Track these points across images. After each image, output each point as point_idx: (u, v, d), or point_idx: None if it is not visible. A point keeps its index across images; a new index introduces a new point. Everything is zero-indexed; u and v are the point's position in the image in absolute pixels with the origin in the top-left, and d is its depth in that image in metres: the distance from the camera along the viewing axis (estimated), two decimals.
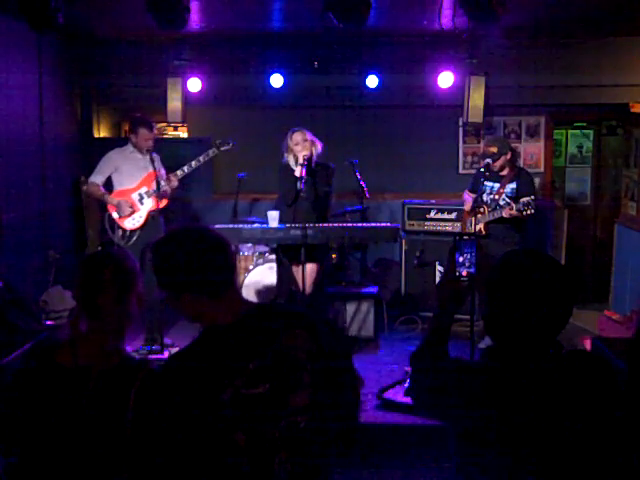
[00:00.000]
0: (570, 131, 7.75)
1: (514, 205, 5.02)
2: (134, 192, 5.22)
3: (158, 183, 5.11)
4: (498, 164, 5.26)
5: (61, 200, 6.17)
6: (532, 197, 4.97)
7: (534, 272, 1.77)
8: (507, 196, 5.29)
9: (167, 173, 5.27)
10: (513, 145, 6.54)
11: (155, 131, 5.28)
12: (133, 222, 5.18)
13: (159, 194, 5.17)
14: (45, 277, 5.57)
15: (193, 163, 5.24)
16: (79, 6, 4.95)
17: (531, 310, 1.74)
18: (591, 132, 7.74)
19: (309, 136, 4.98)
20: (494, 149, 5.26)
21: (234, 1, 5.23)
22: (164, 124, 7.39)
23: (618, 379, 1.77)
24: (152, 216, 5.20)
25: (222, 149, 5.32)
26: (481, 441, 1.75)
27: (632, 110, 6.37)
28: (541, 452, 1.70)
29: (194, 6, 4.93)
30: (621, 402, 1.72)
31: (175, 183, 5.21)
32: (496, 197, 5.33)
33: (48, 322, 4.94)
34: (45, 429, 1.90)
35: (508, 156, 5.28)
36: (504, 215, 5.11)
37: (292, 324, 1.78)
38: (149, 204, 5.20)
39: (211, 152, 5.27)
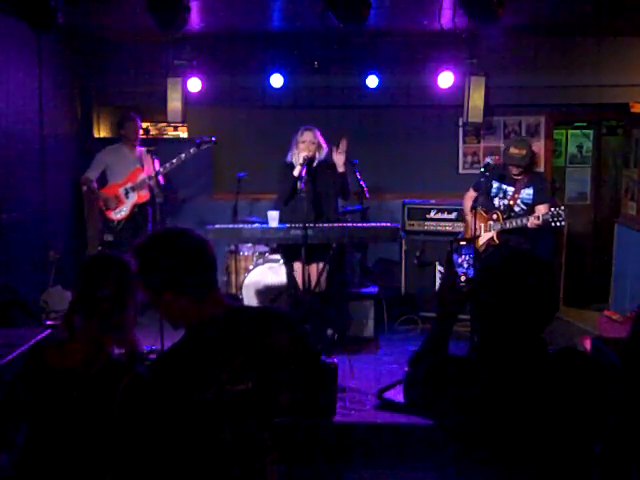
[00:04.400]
0: (570, 131, 7.75)
1: (541, 215, 4.73)
2: (121, 187, 5.82)
3: (154, 178, 5.53)
4: (522, 169, 4.97)
5: (61, 200, 6.17)
6: (562, 207, 4.68)
7: (515, 270, 1.80)
8: (523, 202, 5.03)
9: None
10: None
11: (141, 123, 6.00)
12: (120, 214, 5.79)
13: (142, 187, 5.78)
14: (45, 277, 5.57)
15: (175, 161, 5.70)
16: (79, 6, 4.95)
17: (513, 307, 1.77)
18: (591, 132, 7.74)
19: (318, 137, 4.98)
20: (523, 151, 4.94)
21: (234, 1, 5.23)
22: (164, 124, 7.39)
23: (611, 378, 1.78)
24: (137, 208, 5.81)
25: (202, 147, 5.75)
26: (469, 437, 1.76)
27: (632, 110, 6.37)
28: (527, 447, 1.71)
29: (194, 6, 4.93)
30: (609, 400, 1.73)
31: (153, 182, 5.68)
32: (511, 203, 5.05)
33: (48, 322, 4.94)
34: (34, 428, 1.90)
35: (530, 160, 5.05)
36: (529, 225, 4.82)
37: (275, 325, 1.81)
38: (133, 198, 5.80)
39: (192, 150, 5.73)
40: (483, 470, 1.76)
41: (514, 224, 4.96)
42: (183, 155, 5.71)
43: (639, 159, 6.33)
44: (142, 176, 5.79)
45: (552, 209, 4.72)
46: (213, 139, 5.75)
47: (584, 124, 7.71)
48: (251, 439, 1.68)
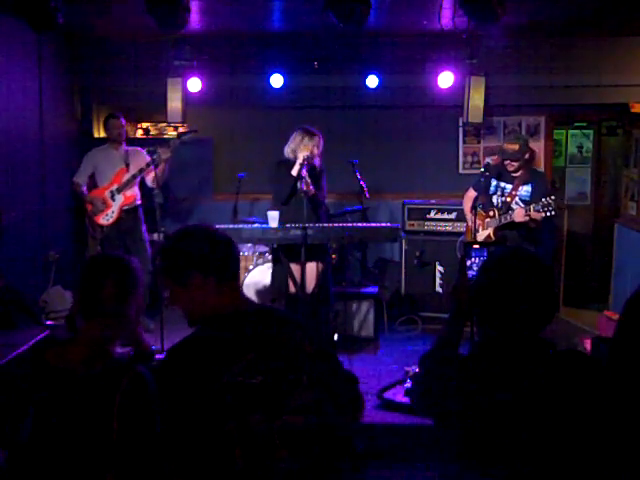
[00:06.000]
0: (570, 131, 7.75)
1: (531, 206, 4.72)
2: (107, 190, 5.64)
3: (139, 177, 5.50)
4: (517, 164, 4.97)
5: (61, 200, 6.16)
6: (552, 197, 4.67)
7: (514, 270, 1.81)
8: (521, 199, 4.99)
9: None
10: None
11: (123, 121, 5.77)
12: (107, 218, 5.60)
13: (127, 188, 5.59)
14: (45, 277, 5.57)
15: (155, 156, 5.50)
16: (79, 6, 4.96)
17: (512, 307, 1.78)
18: (591, 132, 7.74)
19: (321, 145, 5.02)
20: (516, 147, 4.95)
21: (234, 1, 5.23)
22: (164, 124, 7.39)
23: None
24: (125, 210, 5.62)
25: (183, 138, 5.62)
26: (470, 437, 1.77)
27: (632, 110, 6.37)
28: (528, 448, 1.72)
29: (194, 6, 4.93)
30: (606, 400, 1.74)
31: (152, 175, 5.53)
32: (508, 200, 5.04)
33: (48, 322, 4.94)
34: (35, 428, 1.90)
35: (527, 156, 5.02)
36: (515, 219, 4.83)
37: (291, 326, 1.84)
38: (120, 200, 5.62)
39: (172, 143, 5.58)
40: (483, 470, 1.76)
41: (505, 219, 4.96)
42: (161, 150, 5.47)
43: (639, 159, 6.33)
44: (127, 176, 5.60)
45: (542, 199, 4.71)
46: (194, 129, 5.73)
47: (584, 124, 7.70)
48: (258, 435, 1.69)
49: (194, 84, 6.21)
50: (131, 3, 4.85)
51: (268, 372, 1.72)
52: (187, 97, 6.22)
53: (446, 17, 5.20)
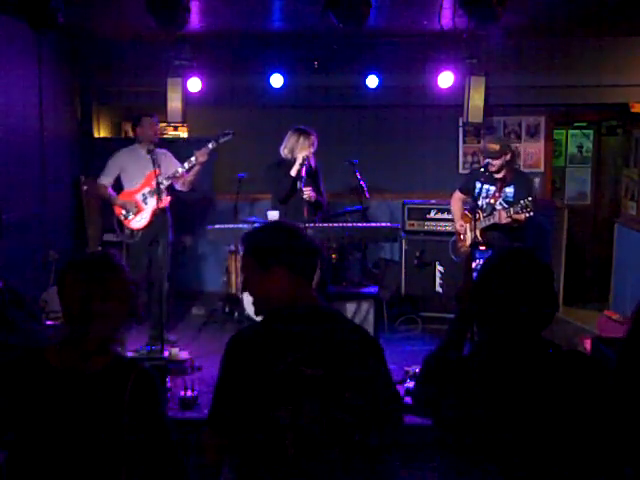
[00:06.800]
0: (570, 131, 7.75)
1: (511, 209, 4.79)
2: (138, 193, 5.42)
3: (158, 182, 5.17)
4: (497, 163, 5.02)
5: (61, 200, 6.17)
6: (529, 198, 4.74)
7: (514, 270, 1.82)
8: (504, 200, 5.04)
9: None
10: (513, 146, 6.52)
11: (158, 121, 5.56)
12: (140, 222, 5.41)
13: (159, 192, 5.26)
14: (45, 277, 5.57)
15: (193, 158, 5.35)
16: (79, 6, 4.95)
17: (512, 307, 1.78)
18: (591, 132, 7.74)
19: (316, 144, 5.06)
20: (496, 147, 5.03)
21: (234, 1, 5.23)
22: (164, 124, 7.39)
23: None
24: (156, 214, 5.36)
25: (221, 141, 5.38)
26: (469, 437, 1.77)
27: (632, 110, 6.37)
28: (527, 448, 1.72)
29: (194, 6, 4.93)
30: (611, 402, 1.74)
31: (189, 177, 5.45)
32: (492, 201, 5.08)
33: (48, 322, 4.94)
34: (35, 428, 1.89)
35: (508, 157, 5.05)
36: (497, 221, 4.87)
37: (354, 332, 1.97)
38: (152, 203, 5.35)
39: (210, 145, 5.35)
40: (483, 470, 1.76)
41: (488, 221, 4.97)
42: (203, 150, 5.32)
43: (639, 159, 6.33)
44: (159, 179, 5.22)
45: (521, 201, 4.77)
46: (232, 132, 5.37)
47: (584, 124, 7.71)
48: (310, 423, 1.77)
49: (194, 84, 6.20)
50: (131, 3, 4.85)
51: (330, 367, 1.81)
52: (187, 97, 6.20)
53: (446, 17, 5.19)
